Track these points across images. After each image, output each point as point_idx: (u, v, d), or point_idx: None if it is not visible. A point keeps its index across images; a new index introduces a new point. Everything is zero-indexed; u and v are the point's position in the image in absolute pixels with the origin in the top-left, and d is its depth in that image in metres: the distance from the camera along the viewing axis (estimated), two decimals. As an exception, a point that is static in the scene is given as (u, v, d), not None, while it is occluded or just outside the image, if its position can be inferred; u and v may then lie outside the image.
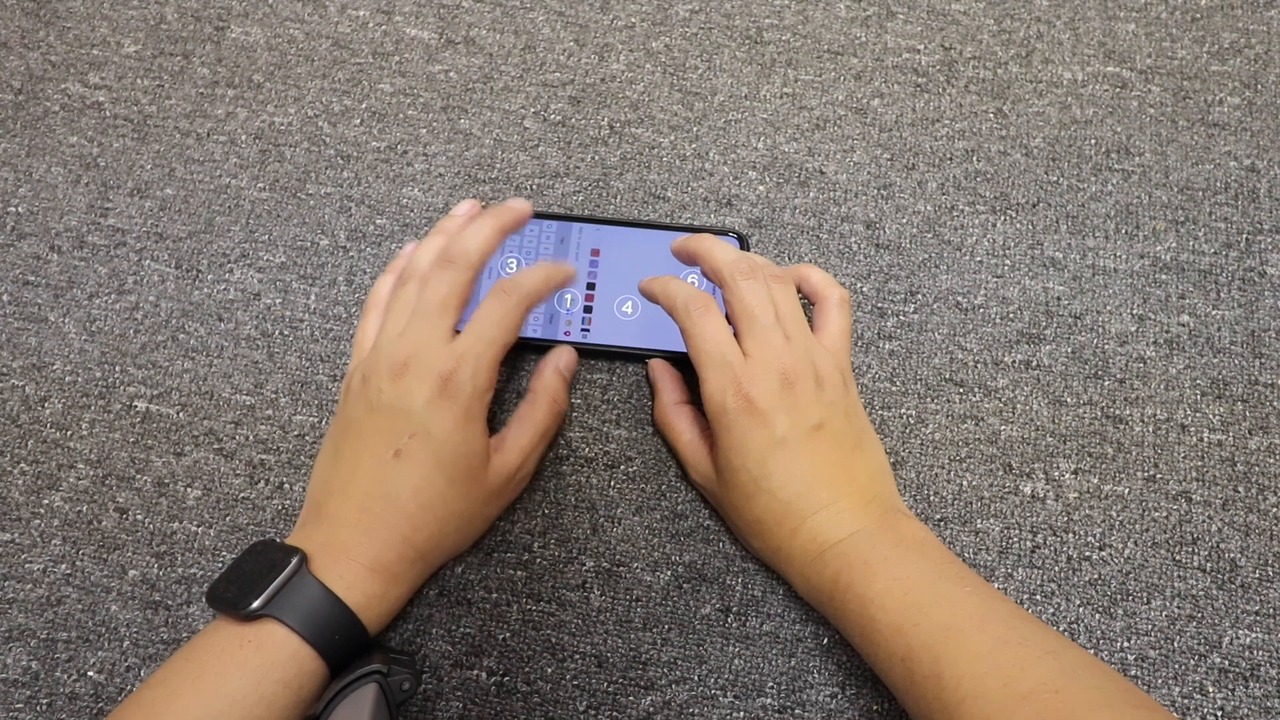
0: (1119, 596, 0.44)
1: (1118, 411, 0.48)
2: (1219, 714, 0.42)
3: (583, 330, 0.48)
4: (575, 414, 0.48)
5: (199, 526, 0.46)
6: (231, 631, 0.35)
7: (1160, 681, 0.43)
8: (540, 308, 0.48)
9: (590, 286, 0.48)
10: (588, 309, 0.48)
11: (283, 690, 0.34)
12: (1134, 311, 0.50)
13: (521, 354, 0.49)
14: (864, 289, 0.50)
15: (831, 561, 0.38)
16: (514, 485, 0.43)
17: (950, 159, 0.53)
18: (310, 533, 0.39)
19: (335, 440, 0.41)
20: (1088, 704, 0.30)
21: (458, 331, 0.40)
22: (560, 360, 0.46)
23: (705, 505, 0.46)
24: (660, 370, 0.47)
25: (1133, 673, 0.43)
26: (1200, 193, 0.52)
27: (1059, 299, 0.50)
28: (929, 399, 0.48)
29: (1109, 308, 0.50)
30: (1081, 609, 0.44)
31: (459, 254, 0.40)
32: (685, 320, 0.41)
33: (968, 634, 0.34)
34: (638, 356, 0.48)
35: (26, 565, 0.46)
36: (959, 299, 0.50)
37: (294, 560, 0.36)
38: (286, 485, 0.47)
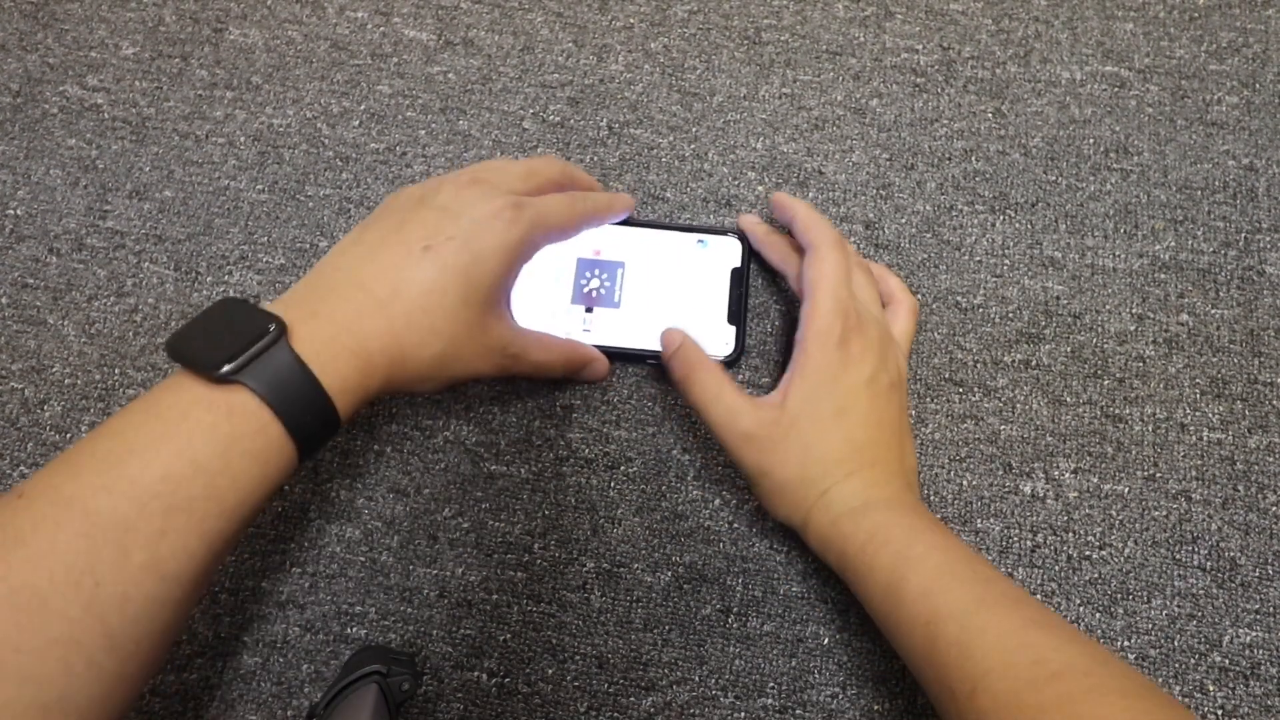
0: (1119, 595, 0.44)
1: (1117, 411, 0.48)
2: (1219, 713, 0.42)
3: (584, 331, 0.48)
4: (575, 414, 0.48)
5: (199, 529, 0.46)
6: (199, 393, 0.32)
7: (1161, 680, 0.43)
8: (542, 307, 0.48)
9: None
10: (588, 310, 0.48)
11: (249, 463, 0.32)
12: (1133, 311, 0.50)
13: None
14: (863, 289, 0.51)
15: (875, 514, 0.38)
16: (503, 362, 0.41)
17: (949, 159, 0.54)
18: (298, 301, 0.36)
19: (363, 227, 0.39)
20: (1118, 691, 0.30)
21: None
22: (591, 362, 0.46)
23: (705, 505, 0.46)
24: (681, 334, 0.45)
25: (1133, 672, 0.43)
26: (1199, 192, 0.53)
27: (1058, 298, 0.50)
28: (929, 399, 0.48)
29: (1108, 307, 0.50)
30: (1082, 608, 0.44)
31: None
32: (821, 244, 0.43)
33: (1000, 609, 0.33)
34: (638, 358, 0.48)
35: (26, 568, 0.46)
36: (958, 299, 0.50)
37: (273, 328, 0.33)
38: (287, 486, 0.47)
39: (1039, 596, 0.44)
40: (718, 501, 0.46)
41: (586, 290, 0.48)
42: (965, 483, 0.46)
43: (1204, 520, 0.46)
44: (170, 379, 0.33)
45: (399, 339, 0.36)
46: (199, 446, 0.31)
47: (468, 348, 0.38)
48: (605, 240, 0.49)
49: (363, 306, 0.35)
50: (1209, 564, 0.45)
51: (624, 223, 0.50)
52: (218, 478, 0.31)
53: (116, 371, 0.49)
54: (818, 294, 0.42)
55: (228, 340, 0.32)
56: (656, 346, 0.47)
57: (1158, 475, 0.46)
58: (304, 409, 0.33)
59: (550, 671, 0.43)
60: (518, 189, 0.41)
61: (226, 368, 0.32)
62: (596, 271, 0.48)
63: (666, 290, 0.48)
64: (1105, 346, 0.49)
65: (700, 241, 0.49)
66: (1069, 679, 0.30)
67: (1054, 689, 0.30)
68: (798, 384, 0.41)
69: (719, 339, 0.47)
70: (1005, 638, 0.32)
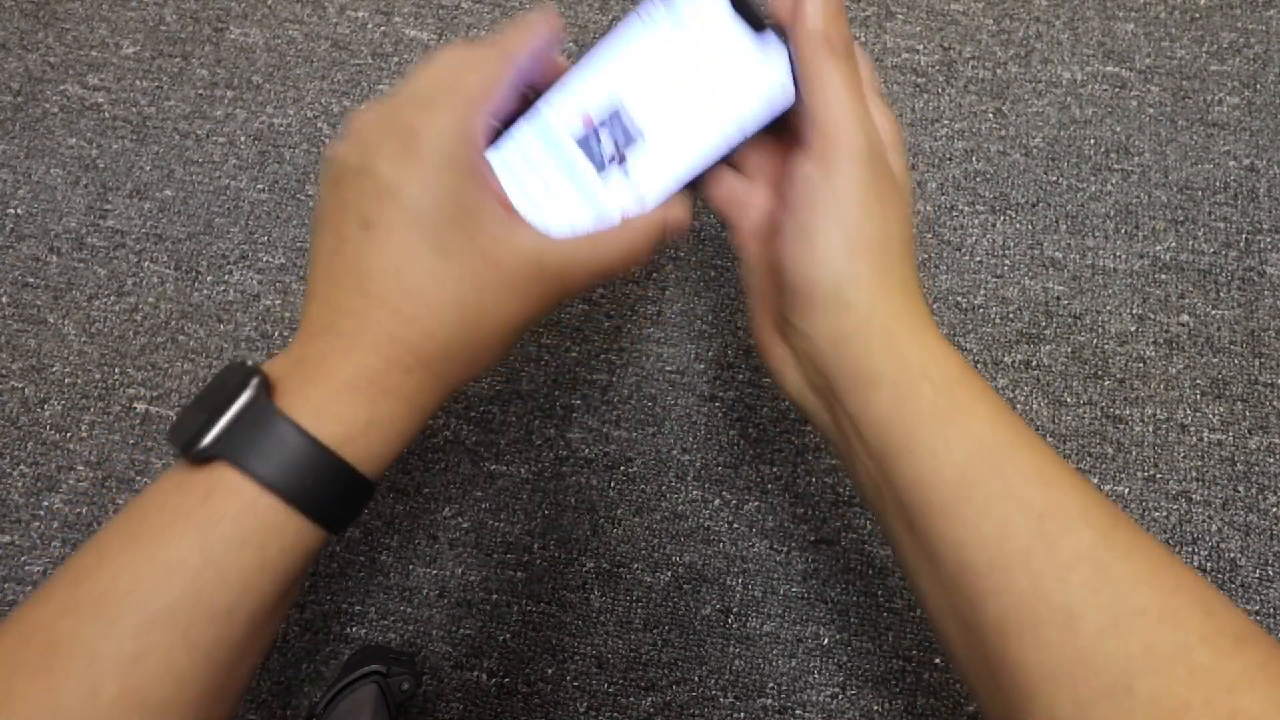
0: (1119, 596, 0.44)
1: (1118, 411, 0.48)
2: (1219, 714, 0.42)
3: (631, 183, 0.37)
4: (575, 414, 0.48)
5: (199, 528, 0.46)
6: (177, 479, 0.28)
7: (1161, 681, 0.43)
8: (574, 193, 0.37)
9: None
10: (621, 162, 0.37)
11: (237, 550, 0.27)
12: (1134, 311, 0.50)
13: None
14: (864, 289, 0.51)
15: (929, 330, 0.31)
16: (549, 284, 0.32)
17: (949, 159, 0.53)
18: (288, 353, 0.31)
19: (312, 231, 0.34)
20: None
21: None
22: (660, 230, 0.35)
23: (705, 505, 0.46)
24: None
25: (1133, 673, 0.43)
26: (1200, 192, 0.53)
27: (1059, 299, 0.50)
28: (929, 399, 0.48)
29: (1109, 307, 0.50)
30: (1082, 609, 0.44)
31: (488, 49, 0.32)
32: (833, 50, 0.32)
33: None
34: (696, 181, 0.37)
35: (26, 567, 0.46)
36: (959, 299, 0.50)
37: (249, 387, 0.28)
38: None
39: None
40: (718, 501, 0.46)
41: (606, 154, 0.38)
42: (965, 483, 0.46)
43: (1204, 521, 0.46)
44: (164, 472, 0.29)
45: (400, 341, 0.30)
46: (174, 542, 0.26)
47: (494, 296, 0.31)
48: (582, 102, 0.38)
49: (342, 329, 0.30)
50: (1209, 565, 0.45)
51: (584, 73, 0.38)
52: (200, 572, 0.26)
53: (116, 371, 0.49)
54: (829, 74, 0.31)
55: (207, 409, 0.28)
56: (711, 150, 0.36)
57: (1158, 476, 0.46)
58: (304, 471, 0.28)
59: (550, 671, 0.43)
60: (420, 94, 0.32)
61: (204, 441, 0.27)
62: (600, 132, 0.38)
63: (676, 79, 0.37)
64: (1106, 347, 0.49)
65: (665, 4, 0.37)
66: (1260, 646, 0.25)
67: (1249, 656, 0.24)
68: (838, 176, 0.31)
69: (767, 64, 0.35)
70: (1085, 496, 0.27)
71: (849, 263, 0.30)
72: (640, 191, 0.36)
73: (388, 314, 0.30)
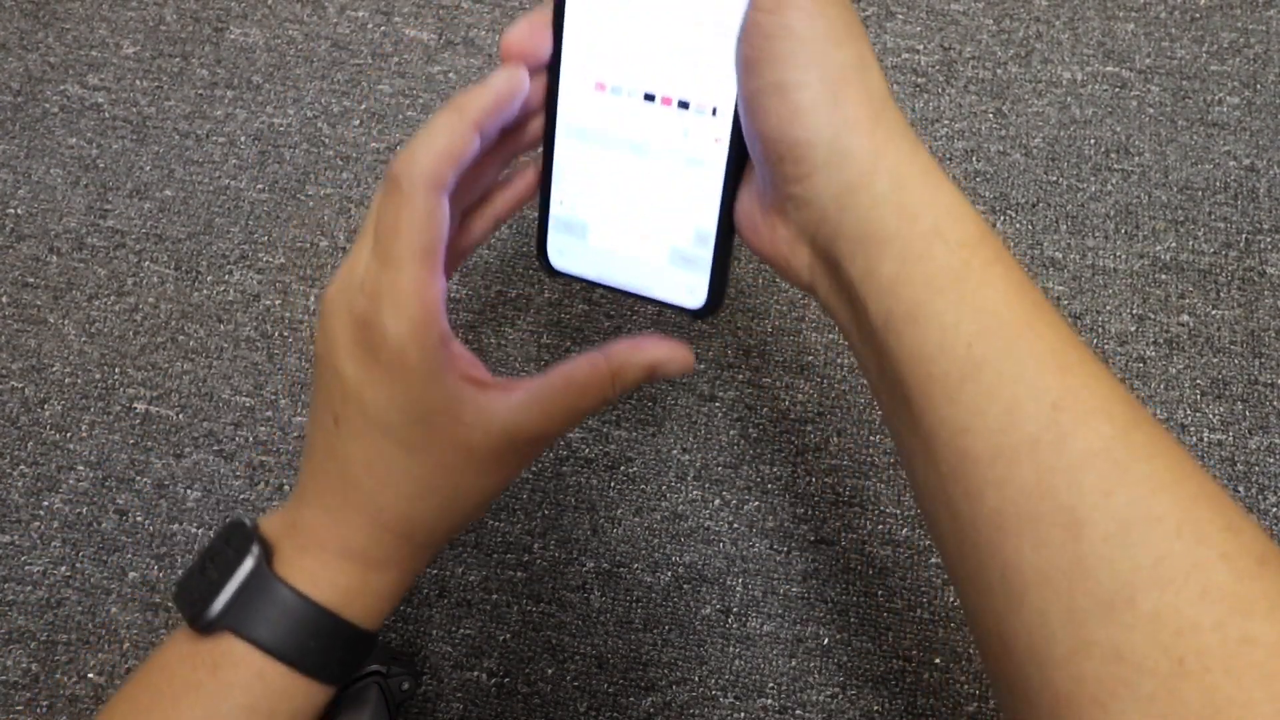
0: (1119, 596, 0.44)
1: (1118, 411, 0.48)
2: (1219, 714, 0.42)
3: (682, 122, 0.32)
4: (575, 415, 0.48)
5: (199, 528, 0.46)
6: (186, 649, 0.29)
7: (1161, 681, 0.43)
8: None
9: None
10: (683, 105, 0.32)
11: (249, 717, 0.28)
12: (1134, 311, 0.50)
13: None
14: (864, 289, 0.51)
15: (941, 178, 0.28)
16: (522, 451, 0.31)
17: (949, 159, 0.53)
18: (284, 511, 0.32)
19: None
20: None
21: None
22: (668, 356, 0.32)
23: (705, 505, 0.46)
24: None
25: (1133, 673, 0.43)
26: (1200, 192, 0.53)
27: (1058, 299, 0.50)
28: (929, 399, 0.48)
29: (1109, 308, 0.50)
30: (1082, 609, 0.44)
31: (400, 171, 0.28)
32: None
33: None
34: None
35: (26, 567, 0.46)
36: (959, 299, 0.50)
37: (249, 559, 0.29)
38: (287, 487, 0.47)
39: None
40: (718, 501, 0.46)
41: (659, 94, 0.32)
42: (965, 483, 0.46)
43: (1204, 521, 0.46)
44: (171, 635, 0.30)
45: (381, 524, 0.30)
46: (186, 714, 0.28)
47: (462, 480, 0.31)
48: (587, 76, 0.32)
49: (329, 505, 0.30)
50: (1209, 565, 0.45)
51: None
52: None
53: (116, 371, 0.49)
54: None
55: (213, 578, 0.29)
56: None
57: (1158, 476, 0.46)
58: (307, 635, 0.29)
59: (550, 671, 0.43)
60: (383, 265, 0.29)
61: (210, 614, 0.28)
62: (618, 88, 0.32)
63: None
64: (1106, 347, 0.49)
65: None
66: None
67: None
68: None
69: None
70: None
71: (835, 106, 0.27)
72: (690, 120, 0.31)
73: (367, 500, 0.30)
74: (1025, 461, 0.23)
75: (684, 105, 0.32)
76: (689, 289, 0.33)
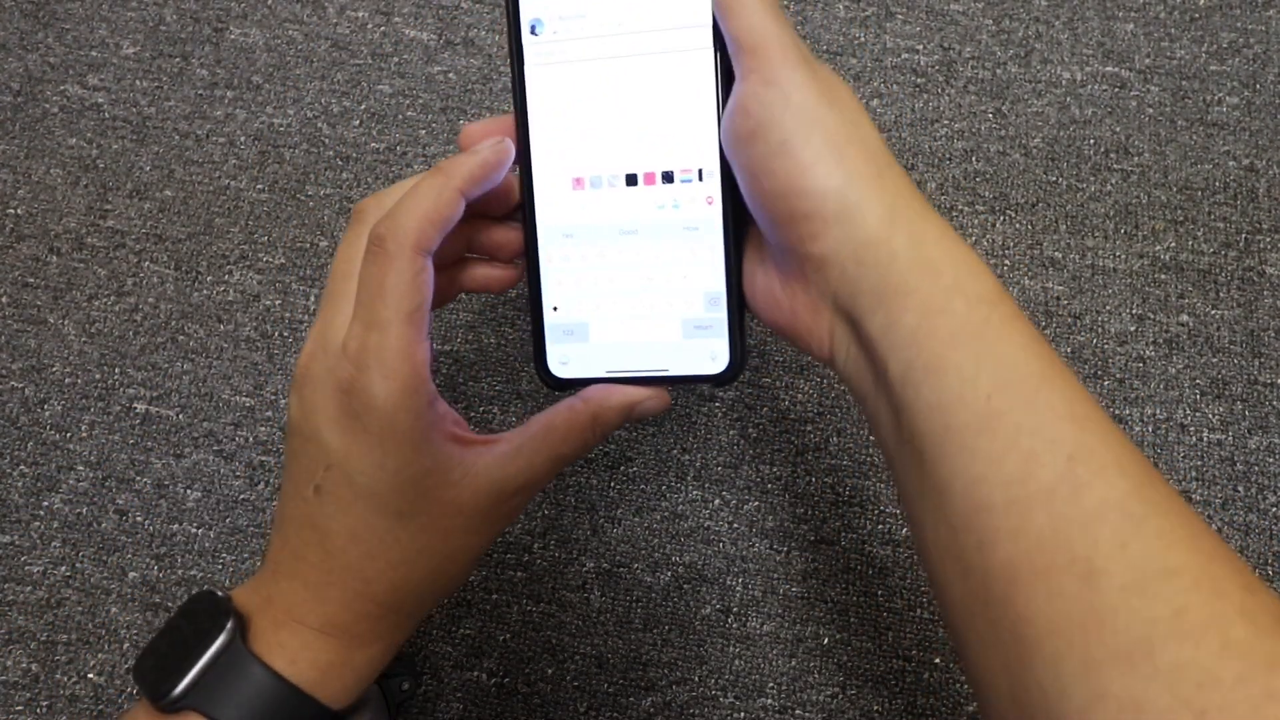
0: (1119, 596, 0.44)
1: (1117, 411, 0.48)
2: (1219, 713, 0.42)
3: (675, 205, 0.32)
4: (575, 415, 0.48)
5: (199, 528, 0.46)
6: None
7: (1160, 681, 0.43)
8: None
9: None
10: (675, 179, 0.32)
11: None
12: (1133, 311, 0.50)
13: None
14: (863, 289, 0.51)
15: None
16: (509, 504, 0.31)
17: (949, 159, 0.54)
18: (258, 583, 0.30)
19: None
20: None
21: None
22: (644, 395, 0.32)
23: (705, 505, 0.46)
24: None
25: (1133, 672, 0.43)
26: (1199, 192, 0.53)
27: (1058, 299, 0.50)
28: (929, 399, 0.48)
29: (1108, 307, 0.50)
30: (1081, 609, 0.44)
31: (386, 233, 0.29)
32: None
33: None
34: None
35: (26, 567, 0.46)
36: (958, 299, 0.50)
37: (222, 635, 0.28)
38: (286, 487, 0.47)
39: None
40: (717, 501, 0.46)
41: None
42: (965, 483, 0.46)
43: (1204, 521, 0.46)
44: (130, 710, 0.29)
45: (367, 597, 0.30)
46: None
47: (450, 541, 0.30)
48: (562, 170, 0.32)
49: (309, 579, 0.29)
50: (1209, 565, 0.45)
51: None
52: None
53: (116, 371, 0.49)
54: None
55: (180, 651, 0.28)
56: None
57: (1158, 476, 0.47)
58: (281, 717, 0.28)
59: (550, 671, 0.43)
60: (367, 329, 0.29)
61: (175, 691, 0.27)
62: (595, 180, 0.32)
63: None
64: (1105, 347, 0.49)
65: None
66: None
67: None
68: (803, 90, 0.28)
69: None
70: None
71: (839, 160, 0.27)
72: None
73: (351, 574, 0.29)
74: (1040, 511, 0.23)
75: (668, 178, 0.31)
76: (711, 356, 0.32)
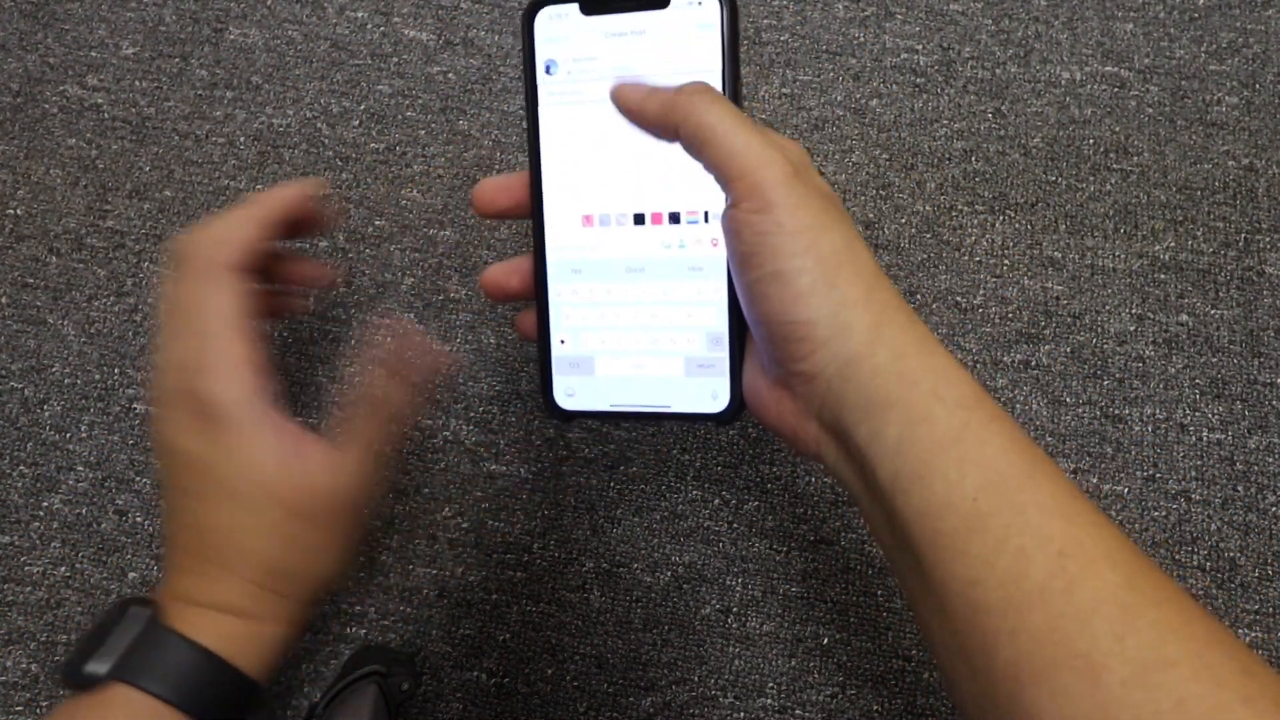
0: (1119, 596, 0.44)
1: (1117, 411, 0.48)
2: (1219, 713, 0.42)
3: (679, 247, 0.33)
4: (575, 415, 0.48)
5: (198, 528, 0.46)
6: (76, 708, 0.29)
7: (1160, 681, 0.43)
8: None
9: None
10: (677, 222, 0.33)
11: None
12: (1133, 311, 0.50)
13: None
14: (863, 289, 0.51)
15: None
16: (353, 501, 0.34)
17: (949, 159, 0.54)
18: (162, 585, 0.33)
19: None
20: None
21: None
22: (408, 340, 0.36)
23: (705, 505, 0.46)
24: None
25: (1133, 672, 0.43)
26: (1199, 192, 0.53)
27: (1058, 299, 0.50)
28: (928, 399, 0.48)
29: (1108, 307, 0.50)
30: (1081, 608, 0.44)
31: (184, 251, 0.32)
32: (696, 104, 0.29)
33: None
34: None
35: (26, 568, 0.46)
36: (958, 299, 0.50)
37: (145, 614, 0.30)
38: (286, 487, 0.47)
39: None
40: (717, 501, 0.46)
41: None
42: (965, 483, 0.46)
43: (1203, 521, 0.46)
44: (57, 708, 0.30)
45: (251, 580, 0.32)
46: None
47: (312, 536, 0.33)
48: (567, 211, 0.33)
49: (193, 569, 0.32)
50: (1208, 564, 0.45)
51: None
52: None
53: (116, 371, 0.49)
54: (737, 140, 0.28)
55: (100, 641, 0.30)
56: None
57: (1157, 476, 0.47)
58: (204, 683, 0.30)
59: (550, 671, 0.43)
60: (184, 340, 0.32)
61: (102, 670, 0.29)
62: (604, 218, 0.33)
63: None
64: (1105, 347, 0.49)
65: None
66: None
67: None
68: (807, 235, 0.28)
69: None
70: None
71: (832, 288, 0.28)
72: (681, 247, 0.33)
73: (232, 566, 0.32)
74: (1036, 609, 0.23)
75: (674, 219, 0.33)
76: (712, 394, 0.33)
